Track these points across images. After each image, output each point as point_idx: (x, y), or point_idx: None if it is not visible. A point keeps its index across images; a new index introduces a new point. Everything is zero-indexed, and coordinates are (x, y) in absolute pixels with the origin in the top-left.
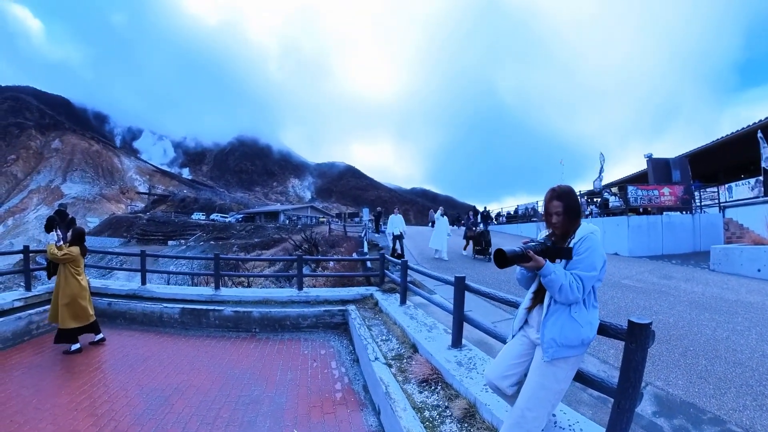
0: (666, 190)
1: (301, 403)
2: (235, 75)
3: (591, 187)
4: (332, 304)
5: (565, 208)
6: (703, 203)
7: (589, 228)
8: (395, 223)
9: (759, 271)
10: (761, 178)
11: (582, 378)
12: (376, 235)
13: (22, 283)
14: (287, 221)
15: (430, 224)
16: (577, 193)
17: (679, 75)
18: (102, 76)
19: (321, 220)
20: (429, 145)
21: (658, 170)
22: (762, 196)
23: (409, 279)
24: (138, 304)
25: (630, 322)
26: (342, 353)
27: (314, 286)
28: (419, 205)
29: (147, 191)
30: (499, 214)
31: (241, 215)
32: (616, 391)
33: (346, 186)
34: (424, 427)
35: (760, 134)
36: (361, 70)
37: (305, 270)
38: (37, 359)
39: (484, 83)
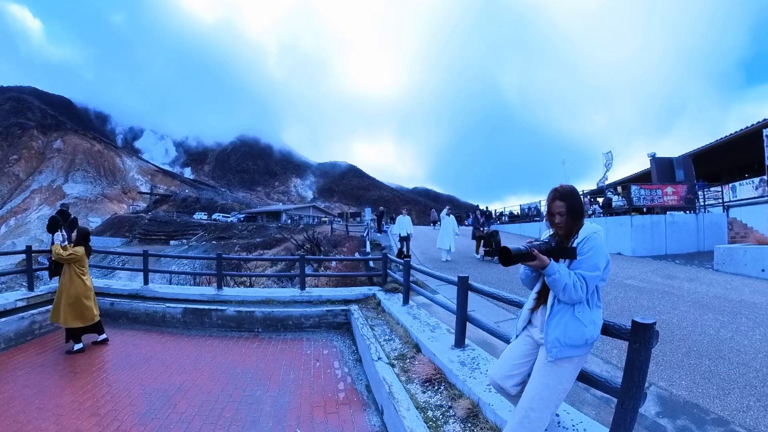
0: (669, 189)
1: (304, 402)
2: (235, 74)
3: (595, 187)
4: (335, 303)
5: (568, 208)
6: (706, 203)
7: (592, 228)
8: (403, 224)
9: (763, 271)
10: (765, 177)
11: (586, 378)
12: (379, 234)
13: (24, 283)
14: (289, 221)
15: (432, 224)
16: (581, 193)
17: (685, 72)
18: (102, 76)
19: (323, 219)
20: (431, 144)
21: (662, 169)
22: (766, 196)
23: (411, 279)
24: (140, 304)
25: (634, 322)
26: (345, 353)
27: (317, 286)
28: (421, 205)
29: (149, 191)
30: (501, 214)
31: (243, 215)
32: (620, 391)
33: (348, 185)
34: (428, 426)
35: (765, 133)
36: (362, 68)
37: (307, 270)
38: (39, 359)
39: (486, 80)
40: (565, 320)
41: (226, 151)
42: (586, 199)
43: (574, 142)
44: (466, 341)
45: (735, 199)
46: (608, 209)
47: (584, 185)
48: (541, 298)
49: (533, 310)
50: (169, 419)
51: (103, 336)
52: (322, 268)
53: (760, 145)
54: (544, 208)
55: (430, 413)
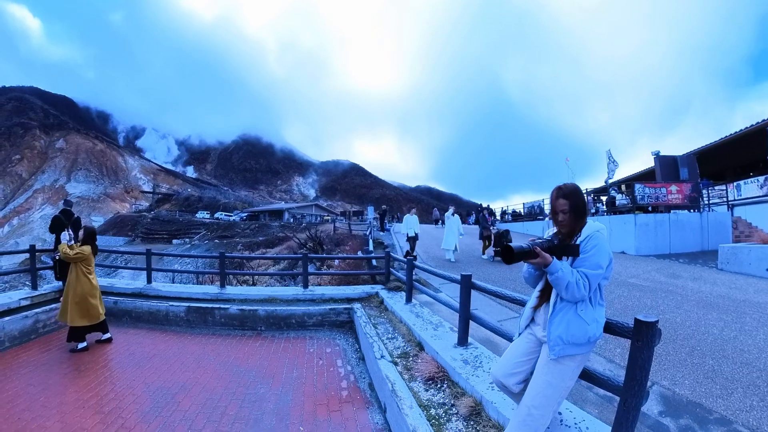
0: (674, 188)
1: (307, 400)
2: (235, 72)
3: (601, 184)
4: (337, 302)
5: (572, 207)
6: (711, 201)
7: (595, 226)
8: (410, 223)
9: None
10: None
11: (588, 376)
12: (381, 233)
13: (28, 282)
14: (292, 219)
15: (434, 223)
16: (584, 191)
17: (690, 68)
18: (103, 75)
19: (326, 218)
20: (433, 142)
21: (666, 168)
22: None
23: (414, 277)
24: (144, 303)
25: (636, 321)
26: (348, 351)
27: (320, 285)
28: (424, 203)
29: (151, 190)
30: (504, 212)
31: (246, 214)
32: (622, 390)
33: (351, 184)
34: (431, 424)
35: None
36: (363, 66)
37: (310, 268)
38: (44, 357)
39: (488, 77)
40: (568, 318)
41: (228, 149)
42: (589, 198)
43: (578, 139)
44: (469, 339)
45: (740, 197)
46: (612, 208)
47: (588, 183)
48: (544, 296)
49: (536, 308)
50: (172, 417)
51: (108, 335)
52: (324, 267)
53: (765, 143)
54: (547, 207)
55: (432, 411)
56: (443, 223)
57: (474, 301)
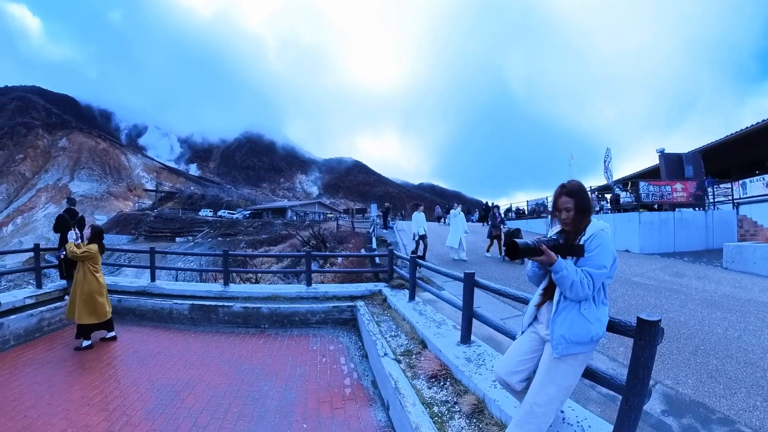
0: (678, 185)
1: (311, 398)
2: (236, 69)
3: (604, 182)
4: (341, 300)
5: (575, 205)
6: (716, 199)
7: (599, 225)
8: (419, 221)
9: None
10: None
11: (591, 375)
12: (385, 230)
13: (32, 281)
14: (295, 217)
15: (437, 220)
16: (588, 189)
17: (697, 64)
18: (104, 74)
19: (329, 216)
20: (436, 139)
21: (671, 165)
22: None
23: (417, 275)
24: (148, 301)
25: (639, 319)
26: (351, 349)
27: (323, 282)
28: (427, 201)
29: (154, 188)
30: (508, 210)
31: (249, 211)
32: (625, 388)
33: (354, 181)
34: (433, 422)
35: None
36: (364, 62)
37: (313, 266)
38: (49, 355)
39: (492, 72)
40: (571, 317)
41: (231, 147)
42: (594, 196)
43: (583, 136)
44: (472, 337)
45: (745, 195)
46: (616, 206)
47: (593, 181)
48: (547, 294)
49: (539, 305)
50: (177, 414)
51: (112, 333)
52: (328, 265)
53: None
54: (551, 205)
55: (435, 408)
56: (446, 220)
57: (477, 299)
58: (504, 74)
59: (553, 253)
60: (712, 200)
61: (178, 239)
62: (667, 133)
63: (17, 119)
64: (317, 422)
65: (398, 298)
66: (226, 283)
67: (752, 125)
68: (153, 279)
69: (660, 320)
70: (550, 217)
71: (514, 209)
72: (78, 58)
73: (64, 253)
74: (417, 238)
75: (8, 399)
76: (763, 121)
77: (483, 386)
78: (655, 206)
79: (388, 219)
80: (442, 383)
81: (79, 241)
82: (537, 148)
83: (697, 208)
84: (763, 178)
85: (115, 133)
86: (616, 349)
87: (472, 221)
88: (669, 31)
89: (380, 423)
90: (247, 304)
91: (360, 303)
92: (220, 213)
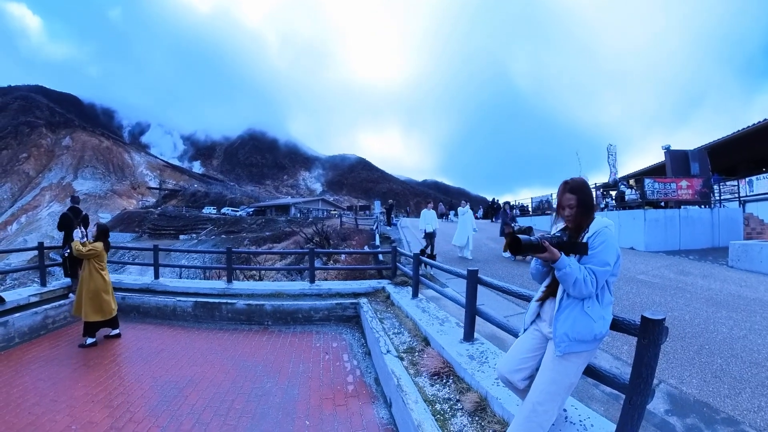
0: (684, 183)
1: (313, 395)
2: (237, 65)
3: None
4: (344, 297)
5: (579, 202)
6: (722, 197)
7: (603, 222)
8: (428, 218)
9: None
10: None
11: (594, 373)
12: (388, 227)
13: (37, 279)
14: (298, 214)
15: (440, 217)
16: (592, 186)
17: (705, 59)
18: (106, 72)
19: (332, 213)
20: (440, 135)
21: (677, 162)
22: None
23: (421, 272)
24: (151, 298)
25: (643, 318)
26: (354, 346)
27: (326, 279)
28: (431, 198)
29: (158, 186)
30: (512, 207)
31: (252, 209)
32: (628, 387)
33: (357, 178)
34: (435, 419)
35: None
36: (366, 57)
37: (317, 263)
38: (53, 353)
39: (496, 67)
40: (574, 315)
41: (234, 144)
42: (598, 193)
43: (589, 132)
44: (475, 335)
45: (752, 193)
46: (621, 203)
47: (598, 178)
48: (549, 291)
49: (540, 301)
50: (180, 411)
51: (117, 330)
52: (331, 262)
53: None
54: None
55: (438, 406)
56: (447, 217)
57: (481, 297)
58: (508, 69)
59: (556, 250)
60: (718, 198)
61: (181, 237)
62: (674, 129)
63: (21, 118)
64: (320, 419)
65: (401, 296)
66: (229, 281)
67: (760, 122)
68: (156, 276)
69: (664, 319)
70: (554, 214)
71: (518, 206)
72: (79, 57)
73: (68, 251)
74: (424, 235)
75: (13, 396)
76: None
77: (485, 384)
78: (661, 203)
79: (392, 216)
80: (444, 381)
81: (85, 239)
82: (542, 144)
83: (703, 206)
84: None
85: (118, 131)
86: (620, 348)
87: (478, 217)
88: (676, 25)
89: (383, 420)
90: (251, 301)
91: (363, 300)
92: (223, 210)
